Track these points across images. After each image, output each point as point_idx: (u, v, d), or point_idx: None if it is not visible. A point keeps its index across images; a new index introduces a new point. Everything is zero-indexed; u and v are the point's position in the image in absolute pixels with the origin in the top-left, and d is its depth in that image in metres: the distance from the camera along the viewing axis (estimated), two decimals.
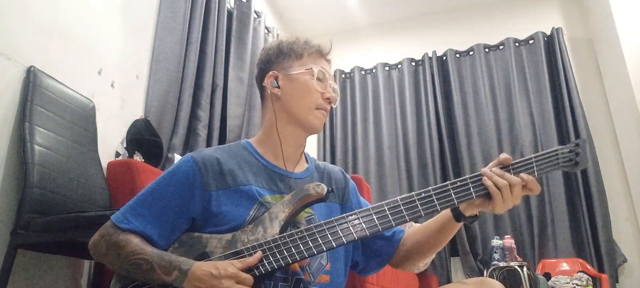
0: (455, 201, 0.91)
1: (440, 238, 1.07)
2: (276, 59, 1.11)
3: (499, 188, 0.90)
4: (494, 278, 3.18)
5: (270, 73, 1.10)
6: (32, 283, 1.75)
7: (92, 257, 0.99)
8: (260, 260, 0.90)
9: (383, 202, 0.93)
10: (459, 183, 0.92)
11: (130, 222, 0.95)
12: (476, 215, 1.00)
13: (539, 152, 0.92)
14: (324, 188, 0.96)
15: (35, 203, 1.58)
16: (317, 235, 0.91)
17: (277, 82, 1.08)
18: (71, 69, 2.04)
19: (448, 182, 0.92)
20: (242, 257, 0.90)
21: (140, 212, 0.96)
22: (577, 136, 3.63)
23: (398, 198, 0.92)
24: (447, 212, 1.03)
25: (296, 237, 0.91)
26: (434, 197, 0.91)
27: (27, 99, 1.71)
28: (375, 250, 1.15)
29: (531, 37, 4.07)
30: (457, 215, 1.00)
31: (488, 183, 0.91)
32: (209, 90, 2.93)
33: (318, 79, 1.07)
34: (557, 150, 0.92)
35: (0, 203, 1.64)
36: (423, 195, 0.92)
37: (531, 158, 0.92)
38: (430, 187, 0.92)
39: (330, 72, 1.12)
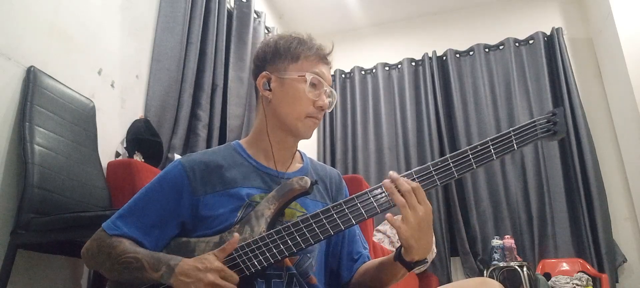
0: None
1: (381, 277, 1.01)
2: (272, 58, 1.06)
3: (403, 195, 0.86)
4: (494, 278, 3.19)
5: (264, 73, 1.06)
6: (32, 283, 1.75)
7: (85, 263, 1.00)
8: (244, 251, 0.89)
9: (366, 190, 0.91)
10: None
11: (120, 228, 0.96)
12: (409, 262, 0.91)
13: (516, 125, 0.92)
14: (307, 181, 0.94)
15: (35, 203, 1.58)
16: (305, 229, 0.90)
17: (269, 84, 1.05)
18: (71, 69, 2.04)
19: (354, 196, 0.90)
20: (231, 257, 0.90)
21: (129, 219, 0.97)
22: (577, 136, 3.64)
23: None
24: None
25: (283, 232, 0.90)
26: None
27: (27, 99, 1.71)
28: (337, 268, 1.11)
29: (531, 37, 4.07)
30: (397, 255, 0.94)
31: (393, 194, 0.86)
32: (209, 90, 2.93)
33: (312, 84, 1.03)
34: (534, 121, 0.92)
35: (0, 203, 1.64)
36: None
37: (509, 132, 0.90)
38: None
39: (328, 75, 1.07)
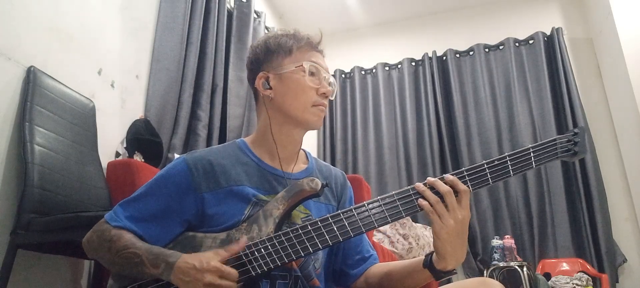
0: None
1: (405, 282, 1.01)
2: (265, 57, 1.05)
3: (431, 205, 0.86)
4: (494, 278, 3.18)
5: (261, 74, 1.05)
6: (32, 283, 1.74)
7: (86, 253, 0.99)
8: (251, 251, 0.89)
9: (378, 197, 0.91)
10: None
11: (122, 220, 0.95)
12: (440, 271, 0.90)
13: (537, 142, 0.90)
14: (318, 183, 0.93)
15: (35, 203, 1.58)
16: (313, 233, 0.89)
17: (268, 83, 1.03)
18: (71, 69, 2.04)
19: (394, 192, 0.90)
20: (237, 256, 0.89)
21: (132, 212, 0.96)
22: None
23: (394, 192, 0.91)
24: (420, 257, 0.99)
25: (292, 235, 0.90)
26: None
27: (27, 99, 1.71)
28: (343, 266, 1.10)
29: (531, 37, 4.07)
30: (427, 262, 0.94)
31: (422, 203, 0.87)
32: (209, 90, 2.93)
33: (311, 73, 1.02)
34: (555, 139, 0.90)
35: (0, 203, 1.64)
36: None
37: (529, 149, 0.89)
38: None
39: (324, 63, 1.06)
